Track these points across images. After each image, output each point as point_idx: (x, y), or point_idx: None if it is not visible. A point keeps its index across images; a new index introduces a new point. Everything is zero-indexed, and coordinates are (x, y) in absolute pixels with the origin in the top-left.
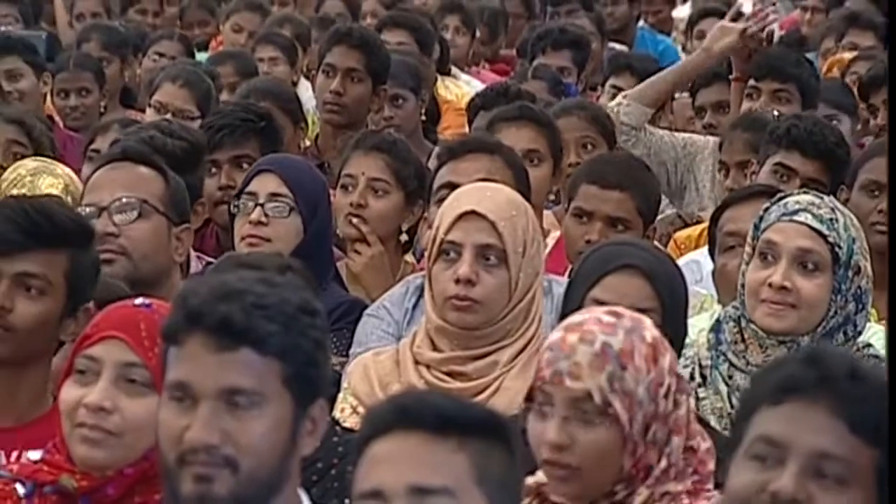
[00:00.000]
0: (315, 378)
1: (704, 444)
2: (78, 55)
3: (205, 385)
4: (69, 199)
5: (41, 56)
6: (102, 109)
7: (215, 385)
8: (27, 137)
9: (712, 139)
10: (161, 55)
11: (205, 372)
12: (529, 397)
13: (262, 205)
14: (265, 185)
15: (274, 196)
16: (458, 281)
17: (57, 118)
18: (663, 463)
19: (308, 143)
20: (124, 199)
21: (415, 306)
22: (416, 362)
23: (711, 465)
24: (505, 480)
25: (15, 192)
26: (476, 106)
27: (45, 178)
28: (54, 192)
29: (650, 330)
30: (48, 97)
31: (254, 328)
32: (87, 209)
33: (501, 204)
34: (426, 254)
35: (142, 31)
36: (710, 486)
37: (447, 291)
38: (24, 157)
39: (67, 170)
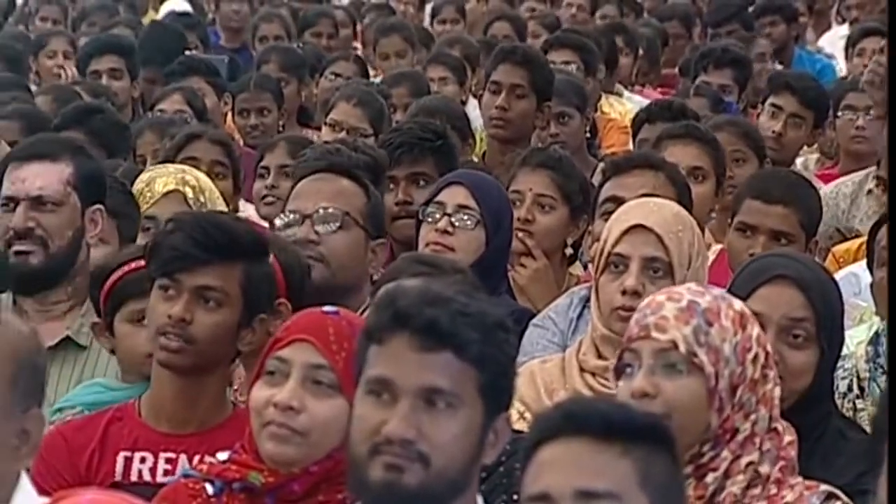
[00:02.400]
0: (505, 390)
1: (789, 436)
2: (258, 76)
3: (406, 382)
4: (188, 189)
5: (222, 77)
6: (280, 128)
7: (416, 383)
8: (229, 158)
9: None
10: (337, 75)
11: (407, 370)
12: (619, 360)
13: (449, 215)
14: (454, 196)
15: (461, 208)
16: (624, 292)
17: (237, 136)
18: (748, 429)
19: (475, 158)
20: (329, 210)
21: (579, 316)
22: (582, 370)
23: (794, 454)
24: (668, 485)
25: (145, 206)
26: (641, 120)
27: (159, 181)
28: (171, 188)
29: (738, 303)
30: (228, 116)
31: (457, 334)
32: (290, 216)
33: (668, 218)
34: (592, 265)
35: (318, 52)
36: (796, 475)
37: (614, 302)
38: (224, 177)
39: (179, 166)
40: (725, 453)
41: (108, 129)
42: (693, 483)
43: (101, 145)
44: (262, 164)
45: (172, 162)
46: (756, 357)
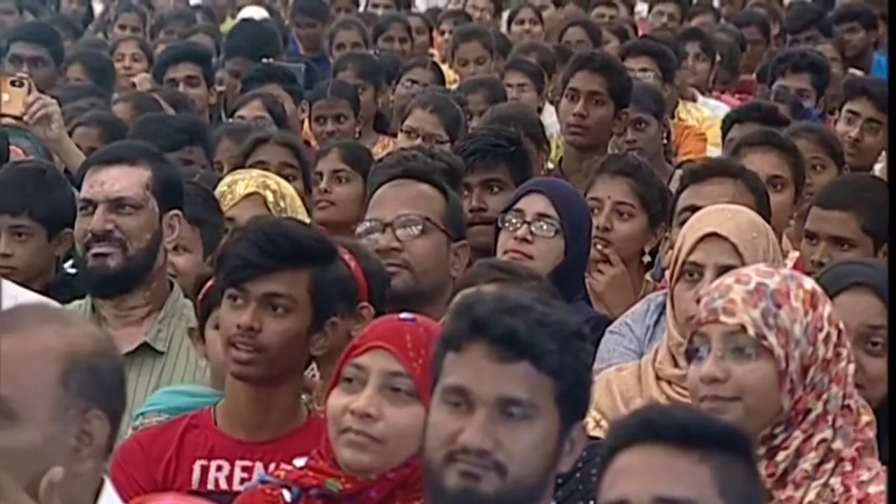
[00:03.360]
0: (582, 399)
1: (866, 416)
2: (335, 83)
3: (483, 392)
4: (268, 192)
5: (299, 84)
6: (357, 134)
7: (493, 393)
8: (297, 159)
9: None
10: (413, 82)
11: (484, 380)
12: (689, 349)
13: (528, 223)
14: (534, 204)
15: (541, 216)
16: (699, 301)
17: (313, 143)
18: (820, 408)
19: (552, 165)
20: (409, 216)
21: (656, 323)
22: (658, 378)
23: (872, 435)
24: (747, 493)
25: (226, 207)
26: (731, 120)
27: (240, 184)
28: (251, 190)
29: (810, 281)
30: (306, 123)
31: (535, 344)
32: (371, 223)
33: (742, 226)
34: (668, 273)
35: (395, 58)
36: (875, 457)
37: (689, 311)
38: (294, 178)
39: (262, 171)
40: (797, 433)
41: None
42: (764, 462)
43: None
44: (317, 169)
45: (242, 167)
46: (828, 336)
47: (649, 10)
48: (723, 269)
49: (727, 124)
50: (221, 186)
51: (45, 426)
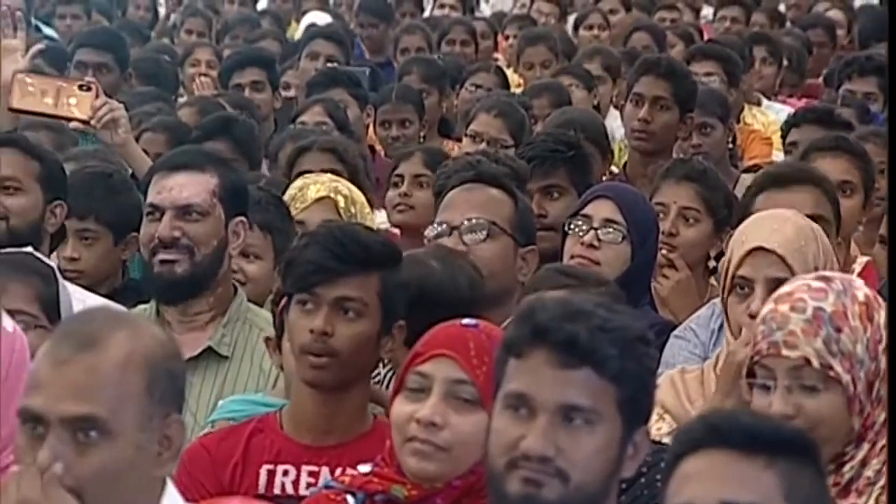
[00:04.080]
0: (645, 404)
1: None
2: (399, 87)
3: (544, 399)
4: (339, 197)
5: (364, 89)
6: (422, 139)
7: (555, 400)
8: (342, 164)
9: None
10: (478, 86)
11: (545, 386)
12: (750, 373)
13: (595, 229)
14: (601, 210)
15: (608, 222)
16: (752, 316)
17: (378, 148)
18: (883, 416)
19: (616, 170)
20: (474, 220)
21: (720, 328)
22: None
23: None
24: (813, 498)
25: (295, 210)
26: (789, 123)
27: (312, 188)
28: (322, 194)
29: (862, 289)
30: (370, 128)
31: (597, 350)
32: (440, 227)
33: (789, 236)
34: (720, 283)
35: (459, 63)
36: None
37: (742, 324)
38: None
39: (334, 176)
40: (865, 445)
41: (246, 139)
42: (832, 475)
43: (241, 156)
44: (397, 172)
45: (289, 178)
46: (886, 345)
47: (714, 14)
48: (773, 282)
49: (786, 128)
50: (292, 190)
51: (135, 436)
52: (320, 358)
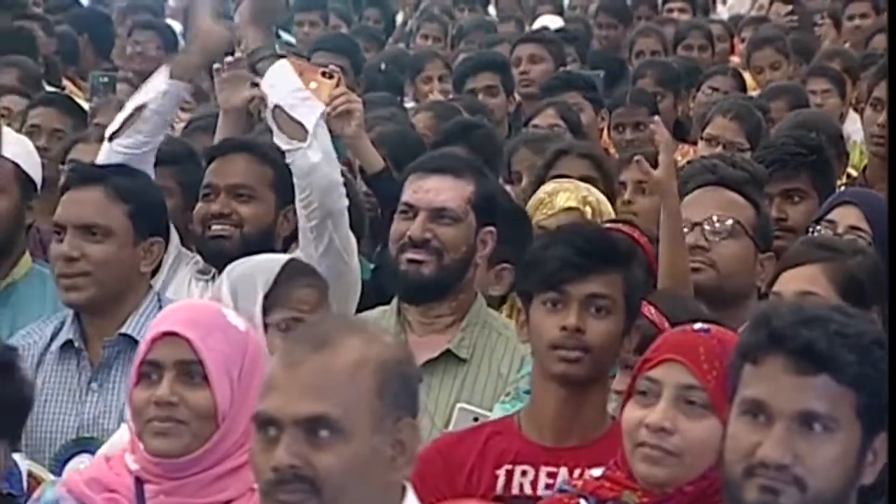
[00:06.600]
0: (885, 409)
1: None
2: (634, 91)
3: (782, 406)
4: (587, 208)
5: (599, 92)
6: None
7: (792, 407)
8: (599, 171)
9: None
10: (714, 89)
11: (783, 393)
12: None
13: (839, 235)
14: (846, 216)
15: (853, 229)
16: None
17: (612, 151)
18: None
19: (854, 173)
20: (719, 217)
21: None
22: None
23: None
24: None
25: (542, 216)
26: None
27: (562, 195)
28: (571, 204)
29: None
30: (605, 132)
31: (835, 356)
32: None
33: None
34: None
35: (694, 66)
36: None
37: None
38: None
39: (584, 184)
40: None
41: (486, 145)
42: None
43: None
44: (621, 178)
45: (543, 180)
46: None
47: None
48: None
49: None
50: (540, 193)
51: (368, 438)
52: (574, 352)
